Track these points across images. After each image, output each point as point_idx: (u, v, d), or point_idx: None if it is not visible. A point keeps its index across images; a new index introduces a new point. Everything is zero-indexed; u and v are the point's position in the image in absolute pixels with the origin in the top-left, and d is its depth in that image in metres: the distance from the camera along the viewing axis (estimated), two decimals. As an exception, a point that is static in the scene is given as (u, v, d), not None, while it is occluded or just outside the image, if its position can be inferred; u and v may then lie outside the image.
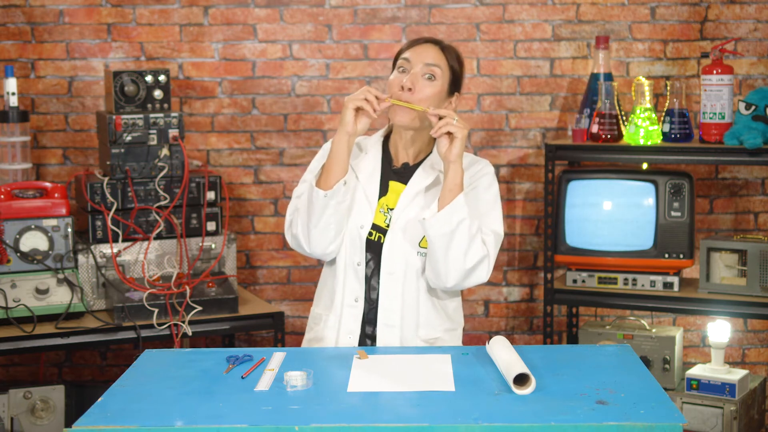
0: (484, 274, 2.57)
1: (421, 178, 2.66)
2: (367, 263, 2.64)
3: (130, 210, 3.67)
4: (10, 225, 3.50)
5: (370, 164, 2.69)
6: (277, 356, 2.43)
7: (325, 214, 2.57)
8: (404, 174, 2.68)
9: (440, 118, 2.51)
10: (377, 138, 2.75)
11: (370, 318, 2.64)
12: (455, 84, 2.66)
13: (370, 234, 2.63)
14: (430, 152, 2.70)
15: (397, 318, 2.62)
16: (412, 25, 4.19)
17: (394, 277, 2.61)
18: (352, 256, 2.64)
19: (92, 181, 3.68)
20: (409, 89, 2.57)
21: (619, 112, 3.94)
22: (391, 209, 2.65)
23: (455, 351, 2.46)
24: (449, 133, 2.49)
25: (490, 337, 2.43)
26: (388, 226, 2.63)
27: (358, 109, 2.52)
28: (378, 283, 2.63)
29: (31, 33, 4.12)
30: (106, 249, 3.63)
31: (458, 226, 2.50)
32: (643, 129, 3.84)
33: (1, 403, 3.59)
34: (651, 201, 3.88)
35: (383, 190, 2.68)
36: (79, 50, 4.14)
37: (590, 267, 3.96)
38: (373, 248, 2.64)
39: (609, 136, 3.92)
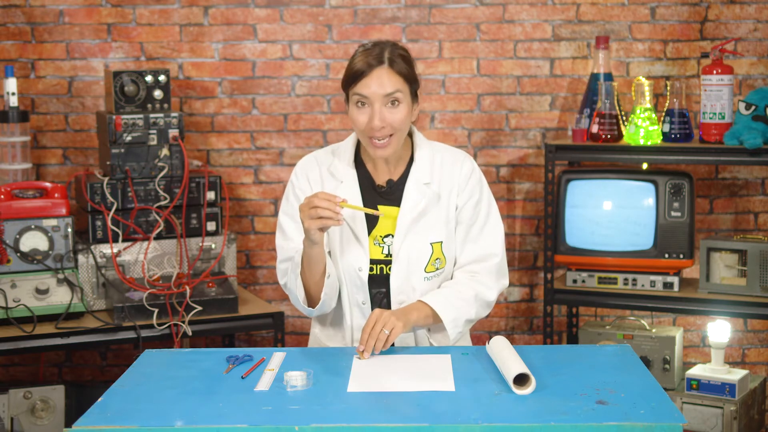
0: (504, 281, 2.67)
1: (413, 199, 2.57)
2: (373, 297, 2.59)
3: (130, 210, 3.67)
4: (10, 225, 3.50)
5: (349, 194, 2.57)
6: (277, 356, 2.43)
7: (324, 307, 2.55)
8: (392, 194, 2.60)
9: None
10: (349, 158, 2.63)
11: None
12: (415, 88, 2.56)
13: (371, 269, 2.58)
14: (411, 158, 2.63)
15: (411, 341, 2.61)
16: (412, 25, 4.19)
17: (405, 305, 2.58)
18: (355, 296, 2.59)
19: (92, 181, 3.68)
20: (382, 128, 2.48)
21: (619, 112, 3.94)
22: (386, 237, 2.58)
23: (455, 351, 2.47)
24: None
25: (490, 337, 2.43)
26: (387, 255, 2.57)
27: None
28: None
29: (31, 33, 4.12)
30: (106, 249, 3.63)
31: (465, 324, 2.57)
32: (643, 129, 3.84)
33: (1, 403, 3.59)
34: (651, 201, 3.88)
35: (372, 219, 2.58)
36: (79, 50, 4.14)
37: (590, 267, 3.95)
38: (378, 281, 2.58)
39: (609, 136, 3.92)
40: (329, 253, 2.59)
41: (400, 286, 2.57)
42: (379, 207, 2.58)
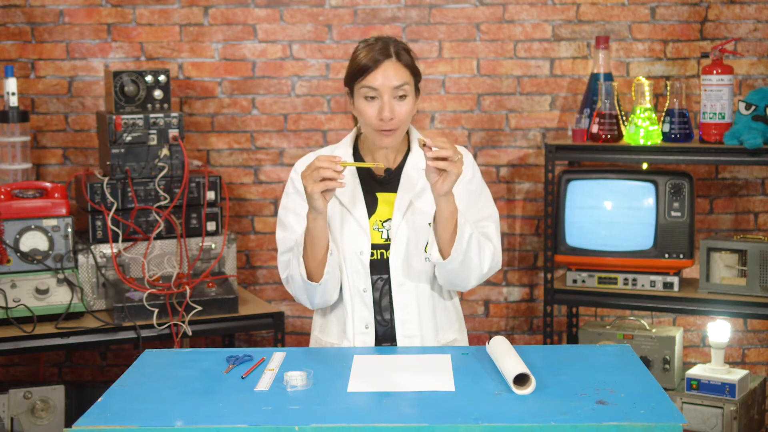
0: (498, 264, 2.61)
1: (409, 183, 2.61)
2: (374, 284, 2.60)
3: (130, 210, 3.67)
4: (10, 225, 3.50)
5: (349, 184, 2.60)
6: (277, 356, 2.43)
7: (327, 290, 2.56)
8: (390, 181, 2.63)
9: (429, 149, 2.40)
10: (347, 150, 2.67)
11: (387, 337, 2.61)
12: (418, 81, 2.60)
13: (372, 254, 2.59)
14: (408, 149, 2.66)
15: (416, 327, 2.60)
16: (412, 25, 4.19)
17: (406, 287, 2.58)
18: (357, 284, 2.59)
19: (92, 181, 3.68)
20: (391, 119, 2.50)
21: (619, 112, 3.94)
22: (385, 221, 2.60)
23: (455, 351, 2.47)
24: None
25: (490, 337, 2.43)
26: (386, 240, 2.59)
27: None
28: (390, 302, 2.59)
29: (31, 33, 4.12)
30: (106, 249, 3.63)
31: (469, 246, 2.49)
32: (643, 129, 3.84)
33: (1, 403, 3.59)
34: (651, 201, 3.88)
35: (372, 206, 2.62)
36: (79, 50, 4.14)
37: (590, 267, 3.95)
38: (379, 267, 2.59)
39: (609, 136, 3.92)
40: None
41: (400, 268, 2.58)
42: (378, 195, 2.62)
